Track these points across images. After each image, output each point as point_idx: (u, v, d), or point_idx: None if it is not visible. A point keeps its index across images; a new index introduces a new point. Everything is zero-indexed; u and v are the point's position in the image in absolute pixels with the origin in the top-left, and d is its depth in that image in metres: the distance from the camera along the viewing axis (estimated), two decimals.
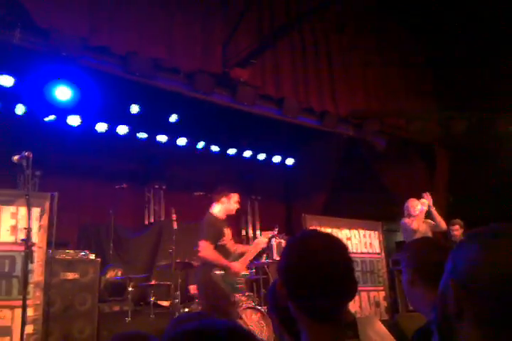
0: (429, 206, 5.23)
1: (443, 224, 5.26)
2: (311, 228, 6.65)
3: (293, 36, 6.16)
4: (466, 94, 7.56)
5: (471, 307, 0.82)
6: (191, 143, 7.08)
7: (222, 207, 4.21)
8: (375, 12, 7.47)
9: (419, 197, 7.60)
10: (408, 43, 7.99)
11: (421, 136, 7.57)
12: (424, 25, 7.72)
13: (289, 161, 8.36)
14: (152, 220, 6.92)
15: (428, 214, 5.34)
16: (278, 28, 5.75)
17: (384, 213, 8.15)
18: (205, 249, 3.86)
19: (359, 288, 6.60)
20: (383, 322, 1.50)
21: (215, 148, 7.39)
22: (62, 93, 5.01)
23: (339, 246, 1.25)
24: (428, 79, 8.20)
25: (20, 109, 5.15)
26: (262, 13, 5.89)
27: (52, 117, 5.47)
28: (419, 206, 5.24)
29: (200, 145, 7.18)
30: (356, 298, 6.45)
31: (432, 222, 5.31)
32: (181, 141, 6.95)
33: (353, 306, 6.17)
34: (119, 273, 5.37)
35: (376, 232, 6.90)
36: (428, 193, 5.36)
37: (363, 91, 6.99)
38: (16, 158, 3.47)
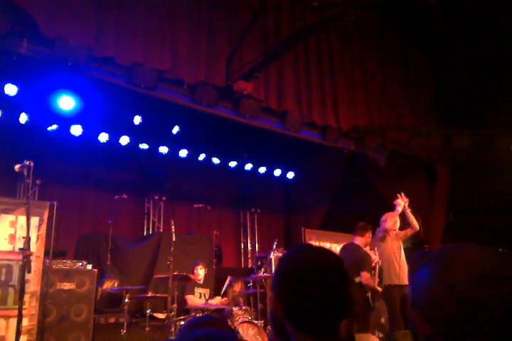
0: (404, 207, 5.01)
1: (416, 226, 4.99)
2: (307, 242, 6.63)
3: (297, 51, 6.21)
4: (468, 111, 7.60)
5: (437, 335, 0.82)
6: (192, 155, 7.09)
7: (364, 240, 4.88)
8: (379, 28, 7.55)
9: (419, 212, 7.60)
10: (412, 60, 8.06)
11: (422, 152, 7.58)
12: (428, 43, 7.80)
13: (290, 175, 8.36)
14: (151, 231, 6.89)
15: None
16: (283, 42, 5.80)
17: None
18: (368, 278, 4.50)
19: None
20: (381, 339, 1.49)
21: (216, 161, 7.40)
22: (66, 103, 5.03)
23: (334, 261, 1.24)
24: (430, 96, 8.25)
25: (23, 118, 5.17)
26: (267, 27, 5.95)
27: (54, 127, 5.49)
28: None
29: (202, 157, 7.19)
30: None
31: (401, 233, 5.07)
32: (183, 153, 6.96)
33: None
34: (116, 284, 5.33)
35: (375, 247, 6.86)
36: (403, 194, 5.19)
37: (366, 107, 7.03)
38: (17, 167, 3.48)
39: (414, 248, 7.97)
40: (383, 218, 5.03)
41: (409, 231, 5.02)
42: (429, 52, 8.05)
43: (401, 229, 5.04)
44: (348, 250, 4.71)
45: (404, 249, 8.12)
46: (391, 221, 4.92)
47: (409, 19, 7.43)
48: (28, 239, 3.54)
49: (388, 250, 4.87)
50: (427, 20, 7.38)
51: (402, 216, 5.06)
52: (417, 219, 5.11)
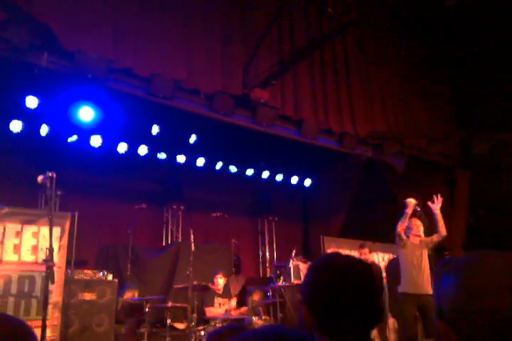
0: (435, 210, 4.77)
1: (442, 231, 4.71)
2: (331, 250, 6.57)
3: (313, 58, 6.21)
4: (485, 115, 7.51)
5: None
6: (210, 164, 7.10)
7: None
8: (395, 34, 7.52)
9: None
10: (429, 65, 8.00)
11: (441, 158, 7.50)
12: (444, 47, 7.74)
13: (307, 182, 8.32)
14: (170, 241, 6.90)
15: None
16: (298, 50, 5.81)
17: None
18: None
19: None
20: None
21: (233, 169, 7.40)
22: (86, 114, 5.09)
23: (364, 269, 1.22)
24: (448, 101, 8.17)
25: (44, 130, 5.25)
26: (282, 34, 5.96)
27: (74, 138, 5.56)
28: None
29: (219, 165, 7.20)
30: None
31: (427, 239, 4.81)
32: (200, 162, 6.98)
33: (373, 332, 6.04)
34: (136, 295, 5.34)
35: (392, 255, 6.79)
36: (439, 196, 4.92)
37: (383, 113, 6.99)
38: (40, 178, 3.51)
39: (435, 255, 7.86)
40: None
41: (435, 238, 4.72)
42: (446, 57, 7.99)
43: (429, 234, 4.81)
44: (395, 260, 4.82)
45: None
46: (402, 224, 4.75)
47: (425, 24, 7.39)
48: (51, 250, 3.56)
49: (407, 257, 4.68)
50: (444, 26, 7.32)
51: (430, 220, 4.88)
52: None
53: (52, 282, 3.30)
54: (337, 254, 1.34)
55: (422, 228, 4.82)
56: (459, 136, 7.78)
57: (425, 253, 4.73)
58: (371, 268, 1.26)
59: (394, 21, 7.43)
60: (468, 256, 0.92)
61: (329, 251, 6.39)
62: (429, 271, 4.58)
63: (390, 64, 7.34)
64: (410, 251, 4.67)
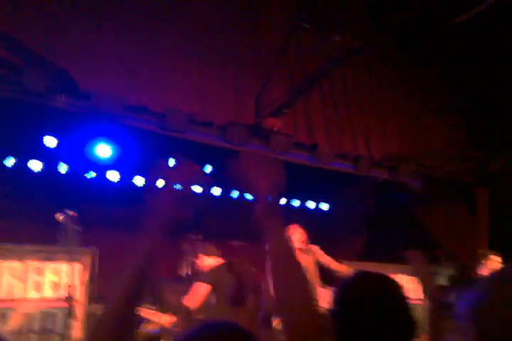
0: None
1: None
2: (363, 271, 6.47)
3: (323, 84, 6.29)
4: (502, 133, 7.46)
5: None
6: (226, 193, 7.15)
7: None
8: (403, 55, 7.58)
9: (461, 239, 7.38)
10: (440, 84, 8.02)
11: (458, 176, 7.44)
12: (455, 66, 7.77)
13: (324, 206, 8.29)
14: (189, 271, 6.88)
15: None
16: (309, 78, 5.89)
17: (426, 257, 7.88)
18: None
19: None
20: None
21: (249, 197, 7.42)
22: (102, 150, 5.20)
23: (394, 288, 1.22)
24: (463, 118, 8.14)
25: (63, 168, 5.37)
26: (292, 64, 6.06)
27: (93, 174, 5.66)
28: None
29: (235, 194, 7.24)
30: None
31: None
32: (216, 191, 7.03)
33: None
34: (156, 326, 5.31)
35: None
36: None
37: (397, 134, 6.99)
38: (61, 217, 3.59)
39: (461, 274, 7.70)
40: None
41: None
42: (457, 75, 8.01)
43: None
44: None
45: (448, 277, 7.87)
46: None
47: (434, 41, 7.44)
48: (72, 287, 3.60)
49: None
50: (453, 41, 7.36)
51: None
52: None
53: (73, 318, 3.33)
54: (366, 273, 1.34)
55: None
56: (476, 154, 7.73)
57: None
58: (400, 286, 1.26)
59: (403, 43, 7.50)
60: (498, 270, 0.93)
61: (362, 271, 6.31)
62: None
63: (401, 85, 7.38)
64: None
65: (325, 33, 5.75)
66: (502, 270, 0.91)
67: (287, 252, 1.24)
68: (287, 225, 7.76)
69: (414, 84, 7.59)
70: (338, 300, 1.24)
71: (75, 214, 3.55)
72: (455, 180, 7.37)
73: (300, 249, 4.76)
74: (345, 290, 1.27)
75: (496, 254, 5.41)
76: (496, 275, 0.89)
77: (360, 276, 1.32)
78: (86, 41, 4.32)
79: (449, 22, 6.90)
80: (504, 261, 5.66)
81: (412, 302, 4.37)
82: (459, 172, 7.37)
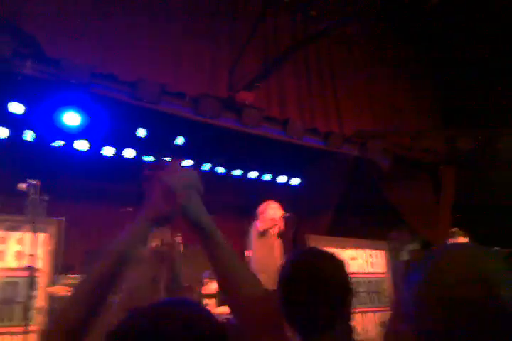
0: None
1: None
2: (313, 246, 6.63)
3: (297, 59, 6.26)
4: (471, 112, 7.62)
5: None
6: (197, 165, 7.13)
7: None
8: (380, 32, 7.58)
9: (425, 215, 7.60)
10: (414, 62, 8.08)
11: (426, 155, 7.60)
12: (430, 44, 7.82)
13: (295, 181, 8.38)
14: (159, 243, 6.91)
15: None
16: (282, 52, 5.85)
17: (390, 232, 8.13)
18: None
19: (364, 309, 6.57)
20: None
21: (220, 170, 7.44)
22: (71, 119, 5.09)
23: (334, 265, 1.27)
24: (434, 98, 8.26)
25: (30, 136, 5.24)
26: (267, 37, 6.00)
27: (60, 143, 5.56)
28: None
29: (206, 167, 7.23)
30: (361, 319, 6.39)
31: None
32: (187, 163, 7.00)
33: (358, 327, 6.12)
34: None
35: (382, 252, 6.88)
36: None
37: (369, 112, 7.06)
38: (23, 186, 3.52)
39: (423, 250, 7.98)
40: None
41: None
42: (431, 54, 8.07)
43: None
44: None
45: (411, 252, 8.14)
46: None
47: (409, 21, 7.45)
48: (34, 256, 3.58)
49: None
50: (428, 22, 7.39)
51: None
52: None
53: (35, 288, 3.34)
54: (310, 250, 1.39)
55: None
56: (445, 133, 7.89)
57: None
58: (341, 264, 1.31)
59: (379, 22, 7.49)
60: (435, 250, 0.96)
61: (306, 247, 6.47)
62: None
63: (375, 63, 7.41)
64: None
65: (301, 8, 5.68)
66: (436, 251, 0.94)
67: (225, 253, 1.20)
68: (261, 201, 7.86)
69: (388, 63, 7.63)
70: (282, 274, 1.29)
71: (38, 184, 3.48)
72: (422, 158, 7.53)
73: (263, 232, 4.76)
74: (288, 265, 1.32)
75: (465, 236, 5.63)
76: (432, 257, 0.92)
77: (302, 253, 1.37)
78: (55, 8, 4.16)
79: (427, 3, 6.92)
80: (465, 235, 5.91)
81: (375, 275, 4.51)
82: (426, 151, 7.52)
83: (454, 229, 5.63)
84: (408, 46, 7.94)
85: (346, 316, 1.27)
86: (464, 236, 5.60)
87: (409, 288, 0.87)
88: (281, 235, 4.96)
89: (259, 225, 5.00)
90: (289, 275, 1.29)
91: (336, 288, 1.24)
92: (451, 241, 5.46)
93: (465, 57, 7.51)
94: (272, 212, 4.83)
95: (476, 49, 7.30)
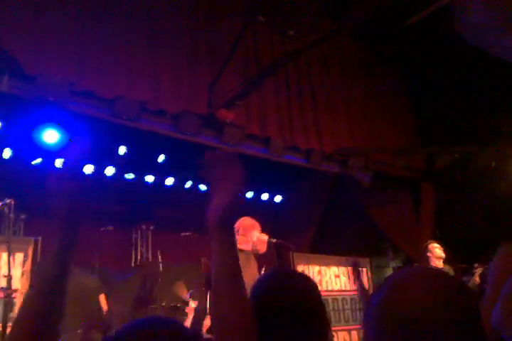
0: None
1: None
2: (301, 267, 6.62)
3: (278, 77, 6.35)
4: (449, 130, 7.76)
5: None
6: (179, 183, 7.11)
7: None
8: (357, 52, 7.74)
9: (405, 231, 7.65)
10: (392, 81, 8.25)
11: (406, 172, 7.69)
12: (408, 63, 8.00)
13: (278, 198, 8.40)
14: (138, 262, 6.83)
15: None
16: (263, 70, 5.93)
17: (372, 249, 8.15)
18: None
19: (349, 327, 6.52)
20: None
21: (203, 187, 7.42)
22: (50, 136, 5.06)
23: (307, 286, 1.27)
24: (412, 116, 8.41)
25: (7, 153, 5.19)
26: (247, 55, 6.08)
27: (39, 160, 5.50)
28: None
29: (188, 184, 7.21)
30: (347, 336, 6.34)
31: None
32: (169, 181, 6.98)
33: None
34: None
35: (364, 269, 6.88)
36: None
37: (348, 129, 7.14)
38: None
39: (405, 266, 7.99)
40: None
41: None
42: (409, 73, 8.25)
43: None
44: None
45: (394, 268, 8.14)
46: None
47: (387, 40, 7.63)
48: (9, 277, 3.51)
49: None
50: (406, 41, 7.56)
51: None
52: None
53: (11, 309, 3.25)
54: (283, 271, 1.39)
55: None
56: (423, 150, 8.01)
57: None
58: (312, 285, 1.31)
59: (357, 41, 7.66)
60: (394, 274, 0.98)
61: (299, 267, 6.44)
62: None
63: (354, 82, 7.53)
64: None
65: (279, 27, 5.79)
66: (402, 272, 0.97)
67: (232, 271, 1.15)
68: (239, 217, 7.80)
69: (367, 81, 7.77)
70: (254, 294, 1.29)
71: (12, 202, 3.43)
72: (403, 175, 7.62)
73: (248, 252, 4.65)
74: (260, 286, 1.32)
75: (433, 242, 5.69)
76: (396, 277, 0.94)
77: (276, 274, 1.37)
78: (32, 24, 4.18)
79: (404, 20, 7.11)
80: (445, 251, 5.94)
81: (356, 293, 4.46)
82: (406, 168, 7.62)
83: (429, 242, 5.69)
84: (386, 65, 8.11)
85: (321, 337, 1.26)
86: (436, 245, 5.64)
87: (370, 309, 0.90)
88: (259, 256, 4.87)
89: (252, 247, 4.84)
90: (260, 295, 1.29)
91: (307, 308, 1.24)
92: (428, 254, 5.50)
93: (443, 75, 7.69)
94: (256, 235, 4.71)
95: (454, 68, 7.49)
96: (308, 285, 1.28)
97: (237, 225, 4.81)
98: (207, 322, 5.45)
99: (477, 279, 5.12)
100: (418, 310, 0.81)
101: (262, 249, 4.63)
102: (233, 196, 1.15)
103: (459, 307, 0.82)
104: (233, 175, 1.15)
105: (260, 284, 1.31)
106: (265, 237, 4.63)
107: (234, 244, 1.16)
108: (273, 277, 1.36)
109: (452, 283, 0.88)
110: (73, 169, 1.15)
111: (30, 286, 1.10)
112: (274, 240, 4.64)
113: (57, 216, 1.13)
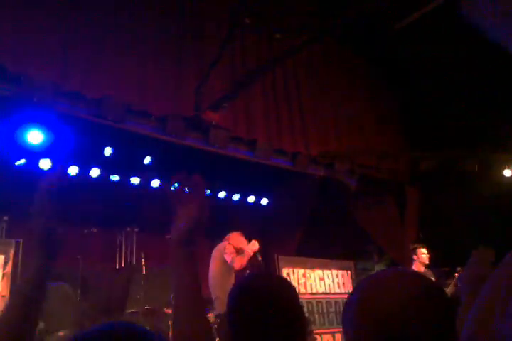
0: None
1: None
2: (286, 270, 6.63)
3: (264, 80, 6.36)
4: (434, 134, 7.84)
5: None
6: (165, 185, 7.07)
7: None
8: (346, 54, 7.80)
9: (390, 234, 7.69)
10: (378, 85, 8.33)
11: (391, 175, 7.76)
12: (395, 66, 8.08)
13: (264, 201, 8.39)
14: (123, 265, 6.77)
15: None
16: (249, 73, 5.94)
17: (358, 252, 8.19)
18: None
19: (333, 330, 6.54)
20: None
21: (188, 190, 7.38)
22: (34, 137, 5.01)
23: (285, 289, 1.28)
24: (397, 120, 8.50)
25: None
26: (234, 58, 6.10)
27: (22, 161, 5.44)
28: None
29: (174, 186, 7.17)
30: (331, 339, 6.36)
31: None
32: (155, 183, 6.95)
33: None
34: None
35: (349, 272, 6.91)
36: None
37: (334, 133, 7.19)
38: None
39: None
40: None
41: None
42: (396, 76, 8.33)
43: None
44: None
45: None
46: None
47: (374, 44, 7.69)
48: None
49: None
50: (393, 45, 7.63)
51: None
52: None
53: None
54: (259, 275, 1.40)
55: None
56: (408, 154, 8.09)
57: None
58: (289, 288, 1.31)
59: (344, 45, 7.72)
60: (370, 276, 0.99)
61: (284, 270, 6.45)
62: None
63: (341, 85, 7.59)
64: None
65: (266, 30, 5.81)
66: (379, 273, 0.98)
67: (192, 291, 1.16)
68: (230, 221, 7.79)
69: (354, 85, 7.83)
70: (229, 298, 1.30)
71: None
72: (388, 178, 7.68)
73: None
74: (236, 289, 1.33)
75: (421, 247, 5.76)
76: (373, 278, 0.96)
77: (252, 277, 1.38)
78: (16, 23, 4.15)
79: (390, 24, 7.18)
80: (429, 254, 6.00)
81: (342, 296, 4.49)
82: (391, 172, 7.69)
83: (412, 247, 5.76)
84: (373, 69, 8.19)
85: (297, 339, 1.26)
86: (423, 251, 5.72)
87: (348, 309, 0.91)
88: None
89: (231, 259, 4.87)
90: (237, 299, 1.29)
91: (284, 311, 1.24)
92: (414, 257, 5.56)
93: (429, 79, 7.78)
94: (249, 252, 4.79)
95: (440, 71, 7.58)
96: (285, 287, 1.29)
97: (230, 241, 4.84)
98: None
99: (451, 285, 5.20)
100: (394, 310, 0.83)
101: (237, 266, 4.67)
102: (193, 222, 1.20)
103: (434, 308, 0.83)
104: (195, 200, 1.18)
105: (236, 287, 1.32)
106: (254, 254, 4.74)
107: (191, 257, 1.20)
108: (249, 279, 1.36)
109: (427, 284, 0.89)
110: (51, 193, 1.16)
111: (5, 305, 1.08)
112: (258, 262, 4.75)
113: (35, 236, 1.12)
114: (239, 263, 4.58)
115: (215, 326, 4.23)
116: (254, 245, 4.96)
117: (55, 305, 4.47)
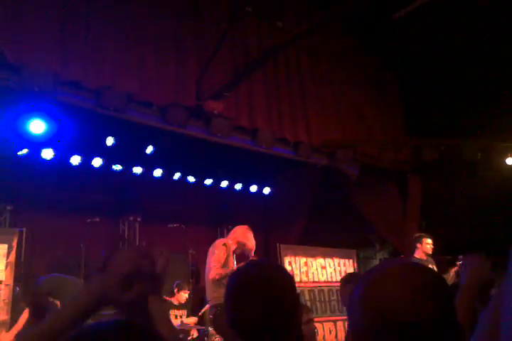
0: None
1: None
2: (288, 258, 6.68)
3: (266, 69, 6.33)
4: (436, 123, 7.81)
5: None
6: (167, 174, 7.10)
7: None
8: (346, 45, 7.74)
9: (392, 223, 7.72)
10: (380, 74, 8.27)
11: (393, 164, 7.75)
12: (396, 55, 8.02)
13: (266, 190, 8.41)
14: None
15: None
16: (251, 61, 5.91)
17: (360, 240, 8.23)
18: None
19: (335, 318, 6.60)
20: None
21: (191, 179, 7.41)
22: (36, 127, 5.01)
23: (278, 277, 1.29)
24: (400, 109, 8.45)
25: None
26: (235, 47, 6.05)
27: (25, 151, 5.46)
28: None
29: (177, 176, 7.20)
30: (332, 327, 6.42)
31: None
32: (157, 172, 6.96)
33: (329, 337, 6.14)
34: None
35: (351, 260, 6.95)
36: None
37: (337, 122, 7.17)
38: None
39: (392, 258, 8.08)
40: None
41: None
42: (397, 66, 8.27)
43: None
44: None
45: (380, 260, 8.21)
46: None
47: (376, 32, 7.63)
48: None
49: None
50: (394, 34, 7.58)
51: None
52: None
53: None
54: (257, 263, 1.41)
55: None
56: (411, 143, 8.06)
57: None
58: (287, 276, 1.32)
59: (346, 33, 7.65)
60: (373, 267, 1.00)
61: (286, 258, 6.49)
62: None
63: (343, 74, 7.54)
64: None
65: (268, 18, 5.76)
66: (382, 265, 0.98)
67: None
68: (233, 210, 7.79)
69: (356, 74, 7.78)
70: (227, 285, 1.31)
71: None
72: (390, 167, 7.67)
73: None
74: (233, 277, 1.34)
75: (427, 237, 5.76)
76: (377, 270, 0.96)
77: (251, 267, 1.39)
78: (17, 14, 4.13)
79: (392, 13, 7.11)
80: (434, 243, 6.02)
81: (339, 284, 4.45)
82: (394, 161, 7.67)
83: (418, 234, 5.76)
84: (375, 57, 8.12)
85: (295, 328, 1.28)
86: (429, 241, 5.72)
87: (352, 301, 0.91)
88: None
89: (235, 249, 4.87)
90: (235, 286, 1.30)
91: (278, 300, 1.25)
92: (417, 245, 5.56)
93: (431, 68, 7.72)
94: (252, 244, 4.78)
95: (441, 60, 7.52)
96: (281, 276, 1.30)
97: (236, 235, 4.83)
98: (188, 320, 5.51)
99: (453, 273, 5.21)
100: (397, 302, 0.83)
101: (211, 276, 4.52)
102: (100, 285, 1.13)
103: (437, 300, 0.84)
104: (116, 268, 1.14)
105: (234, 274, 1.33)
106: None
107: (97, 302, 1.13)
108: (247, 267, 1.38)
109: (430, 276, 0.90)
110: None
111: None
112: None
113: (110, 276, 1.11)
114: (214, 273, 4.43)
115: (211, 316, 4.25)
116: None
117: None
